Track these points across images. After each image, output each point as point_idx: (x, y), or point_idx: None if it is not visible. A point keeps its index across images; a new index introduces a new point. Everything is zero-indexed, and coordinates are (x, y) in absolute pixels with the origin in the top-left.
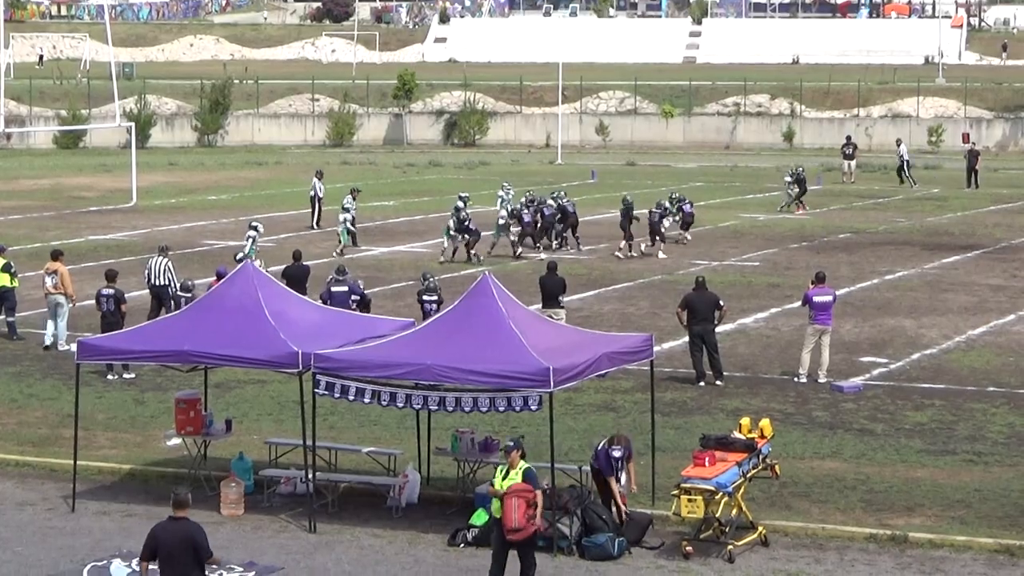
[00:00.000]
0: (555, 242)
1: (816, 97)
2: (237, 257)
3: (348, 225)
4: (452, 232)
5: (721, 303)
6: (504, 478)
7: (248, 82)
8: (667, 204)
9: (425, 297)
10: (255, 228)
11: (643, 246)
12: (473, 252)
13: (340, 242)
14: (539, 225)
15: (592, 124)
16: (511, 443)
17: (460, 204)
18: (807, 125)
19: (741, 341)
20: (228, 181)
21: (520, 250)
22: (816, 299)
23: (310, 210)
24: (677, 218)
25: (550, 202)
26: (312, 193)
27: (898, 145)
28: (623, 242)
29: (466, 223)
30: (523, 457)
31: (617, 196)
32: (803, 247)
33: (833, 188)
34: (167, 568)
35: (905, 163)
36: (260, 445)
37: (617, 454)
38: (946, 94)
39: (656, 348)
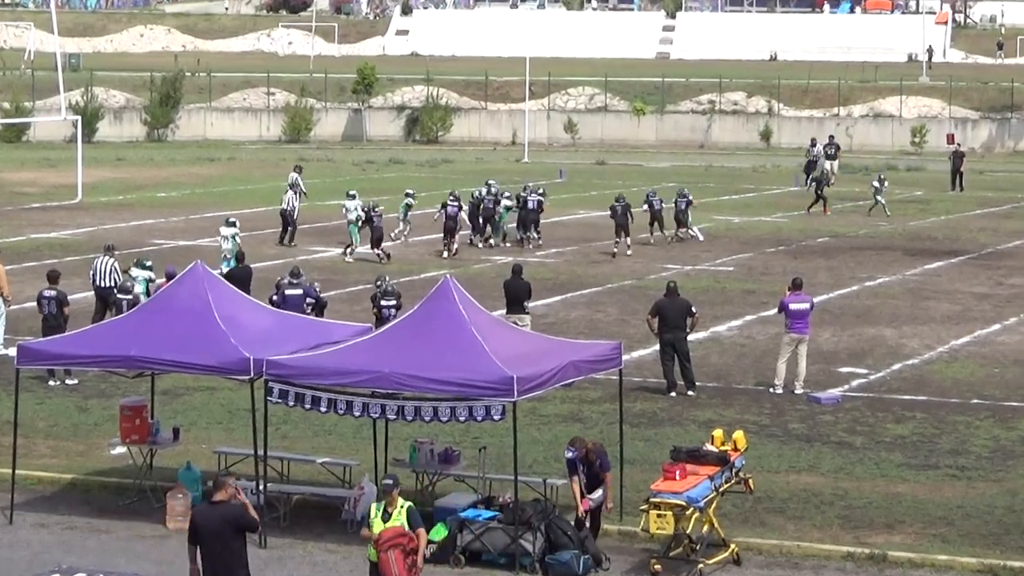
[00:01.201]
0: (519, 237)
1: (795, 95)
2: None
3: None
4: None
5: (693, 310)
6: (384, 520)
7: (200, 75)
8: (687, 192)
9: (383, 301)
10: (233, 224)
11: (668, 235)
12: (378, 251)
13: (354, 243)
14: (482, 220)
15: (560, 121)
16: (389, 481)
17: (411, 201)
18: (785, 124)
19: (714, 350)
20: (178, 177)
21: (456, 248)
22: (793, 307)
23: (282, 226)
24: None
25: (526, 194)
26: (286, 206)
27: (812, 145)
28: (620, 239)
29: (372, 216)
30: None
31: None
32: (780, 251)
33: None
34: (212, 549)
35: (814, 164)
36: (209, 455)
37: (569, 455)
38: (930, 93)
39: (625, 357)
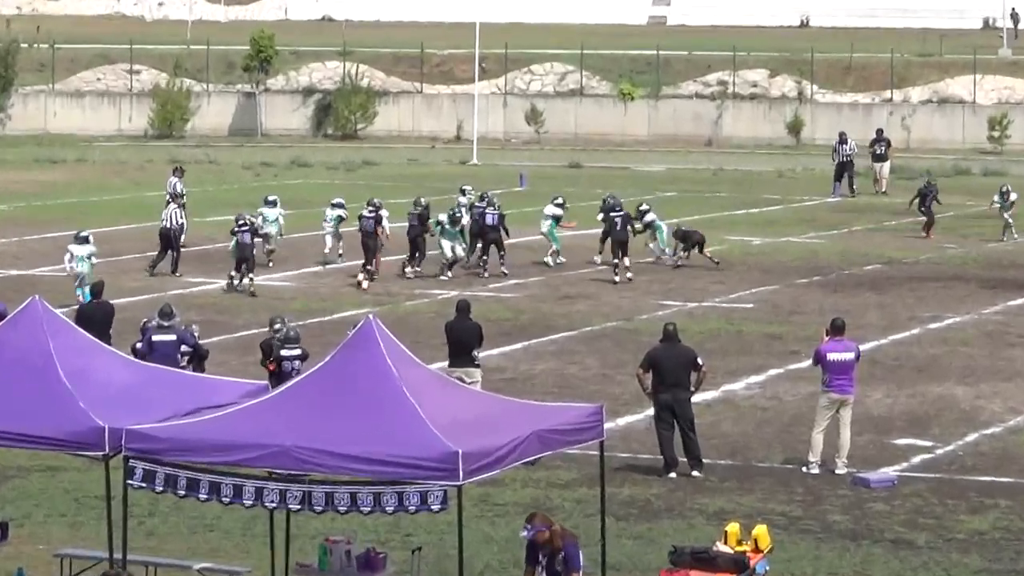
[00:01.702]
0: (473, 262)
1: (833, 74)
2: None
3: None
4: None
5: (699, 361)
6: None
7: (41, 46)
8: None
9: (284, 351)
10: (86, 241)
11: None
12: (248, 278)
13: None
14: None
15: (521, 109)
16: None
17: (342, 213)
18: (821, 113)
19: (728, 415)
20: (9, 185)
21: (363, 279)
22: (832, 357)
23: (160, 249)
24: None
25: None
26: (169, 223)
27: (842, 142)
28: (620, 260)
29: (262, 230)
30: None
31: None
32: (814, 283)
33: (858, 201)
34: None
35: (849, 161)
36: (48, 559)
37: (525, 534)
38: (1013, 71)
39: (608, 424)
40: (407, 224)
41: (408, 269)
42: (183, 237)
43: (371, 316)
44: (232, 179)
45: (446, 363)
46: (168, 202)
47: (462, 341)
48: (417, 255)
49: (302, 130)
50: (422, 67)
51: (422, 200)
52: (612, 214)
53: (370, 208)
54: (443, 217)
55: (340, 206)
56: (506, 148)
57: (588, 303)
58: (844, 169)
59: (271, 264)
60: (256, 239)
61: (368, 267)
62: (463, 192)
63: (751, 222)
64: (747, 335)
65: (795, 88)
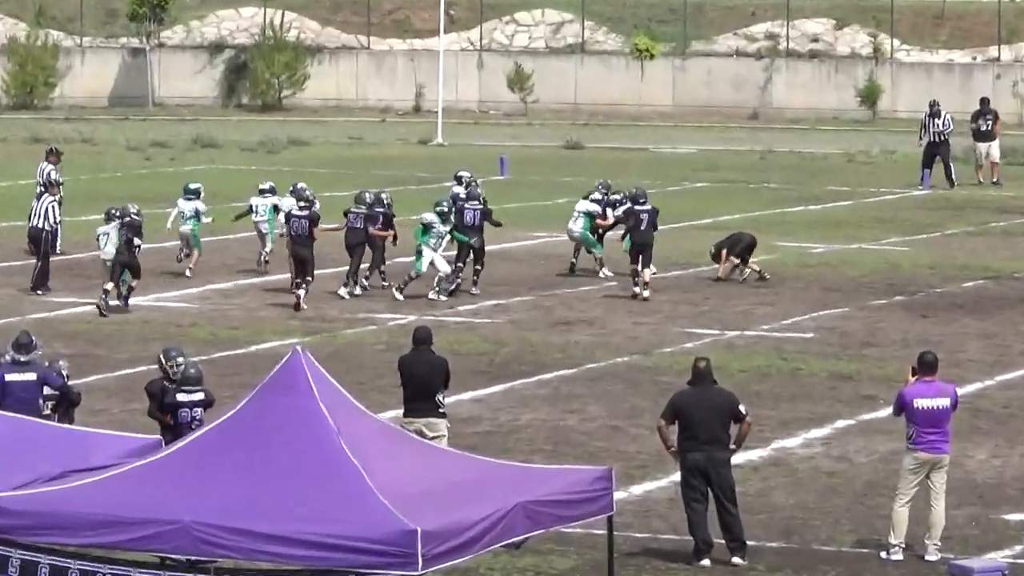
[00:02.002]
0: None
1: (920, 25)
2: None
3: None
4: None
5: (741, 410)
6: None
7: None
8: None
9: (181, 395)
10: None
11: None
12: (116, 296)
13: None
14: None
15: (501, 71)
16: None
17: (277, 202)
18: (904, 76)
19: (781, 481)
20: None
21: (300, 295)
22: (921, 404)
23: (37, 228)
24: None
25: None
26: (40, 222)
27: (934, 114)
28: (639, 268)
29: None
30: None
31: (549, 207)
32: (895, 305)
33: (955, 195)
34: None
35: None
36: None
37: None
38: None
39: (620, 494)
40: (347, 226)
41: (344, 290)
42: (58, 242)
43: (299, 348)
44: (113, 164)
45: (400, 411)
46: (40, 194)
47: (422, 382)
48: (375, 268)
49: (208, 99)
50: (369, 15)
51: (384, 195)
52: (637, 207)
53: (301, 204)
54: (431, 217)
55: (271, 192)
56: (482, 123)
57: (592, 331)
58: (936, 151)
59: (189, 274)
60: (137, 241)
61: (299, 280)
62: (459, 180)
63: (811, 223)
64: (806, 374)
65: (869, 43)
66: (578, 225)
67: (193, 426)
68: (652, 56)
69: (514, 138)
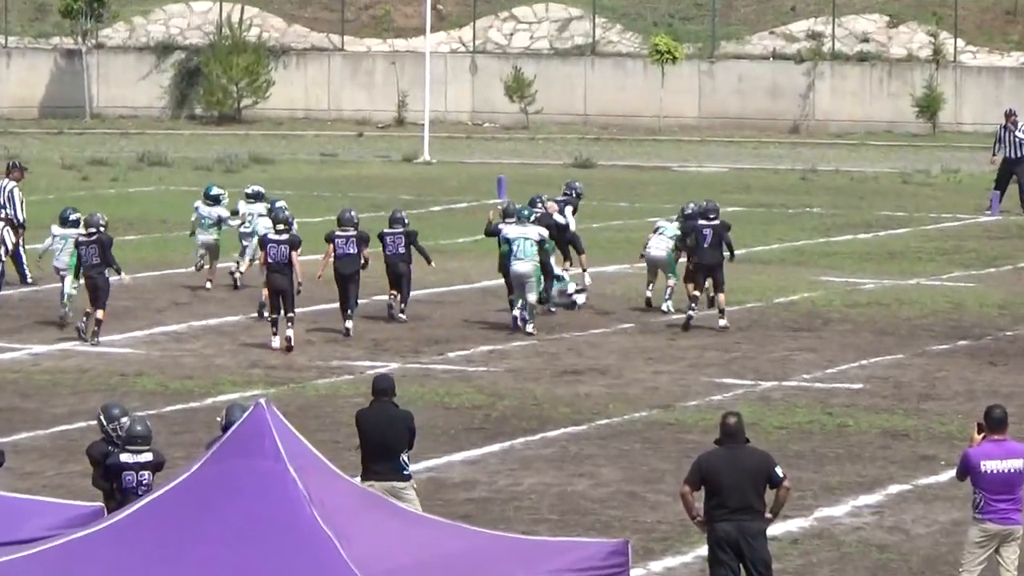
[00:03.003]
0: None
1: (989, 22)
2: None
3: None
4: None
5: (778, 473)
6: None
7: None
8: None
9: (126, 456)
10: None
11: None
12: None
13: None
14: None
15: (498, 76)
16: None
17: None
18: (970, 82)
19: (826, 556)
20: None
21: (278, 338)
22: (989, 467)
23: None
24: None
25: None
26: None
27: (1013, 125)
28: (717, 296)
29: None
30: None
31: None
32: (959, 351)
33: None
34: None
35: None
36: None
37: None
38: None
39: (638, 571)
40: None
41: (349, 325)
42: (26, 267)
43: (263, 401)
44: (45, 185)
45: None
46: None
47: (383, 440)
48: (397, 298)
49: (155, 109)
50: (343, 10)
51: (401, 214)
52: (701, 222)
53: (280, 227)
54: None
55: (257, 197)
56: (475, 137)
57: (605, 382)
58: (1011, 170)
59: (209, 287)
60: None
61: (277, 316)
62: (538, 202)
63: (860, 254)
64: (854, 432)
65: (929, 44)
66: (664, 247)
67: (140, 492)
68: (674, 59)
69: (514, 155)
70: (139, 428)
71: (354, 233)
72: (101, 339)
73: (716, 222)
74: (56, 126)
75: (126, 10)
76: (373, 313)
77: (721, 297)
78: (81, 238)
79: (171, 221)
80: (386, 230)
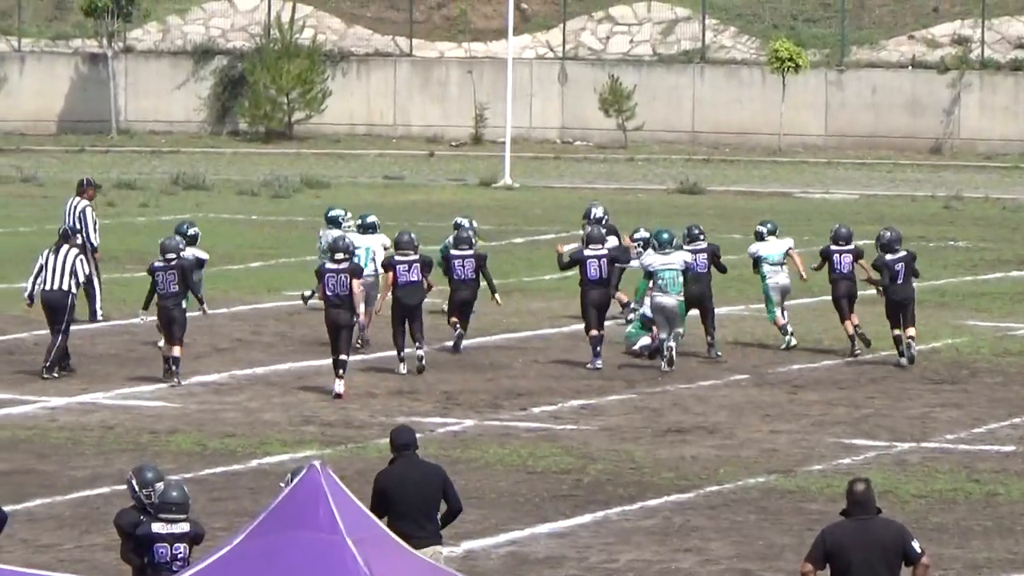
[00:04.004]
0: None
1: None
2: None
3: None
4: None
5: (916, 548)
6: None
7: None
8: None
9: (158, 526)
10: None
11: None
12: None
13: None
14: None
15: (592, 87)
16: None
17: (382, 243)
18: None
19: None
20: None
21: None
22: None
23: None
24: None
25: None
26: (58, 284)
27: None
28: (905, 331)
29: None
30: None
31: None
32: None
33: None
34: None
35: None
36: None
37: None
38: None
39: None
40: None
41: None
42: (98, 301)
43: (317, 464)
44: (63, 213)
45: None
46: (59, 245)
47: (420, 498)
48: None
49: (192, 124)
50: (412, 10)
51: (468, 222)
52: (889, 257)
53: (339, 256)
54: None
55: (373, 229)
56: (564, 157)
57: (714, 442)
58: None
59: (359, 344)
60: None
61: (343, 357)
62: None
63: (1013, 295)
64: (1004, 501)
65: None
66: (784, 277)
67: (174, 568)
68: (797, 67)
69: (609, 179)
70: (174, 494)
71: (416, 257)
72: (130, 390)
73: (903, 253)
74: (77, 143)
75: (159, 8)
76: (439, 361)
77: (911, 331)
78: (157, 263)
79: (218, 251)
80: (453, 251)
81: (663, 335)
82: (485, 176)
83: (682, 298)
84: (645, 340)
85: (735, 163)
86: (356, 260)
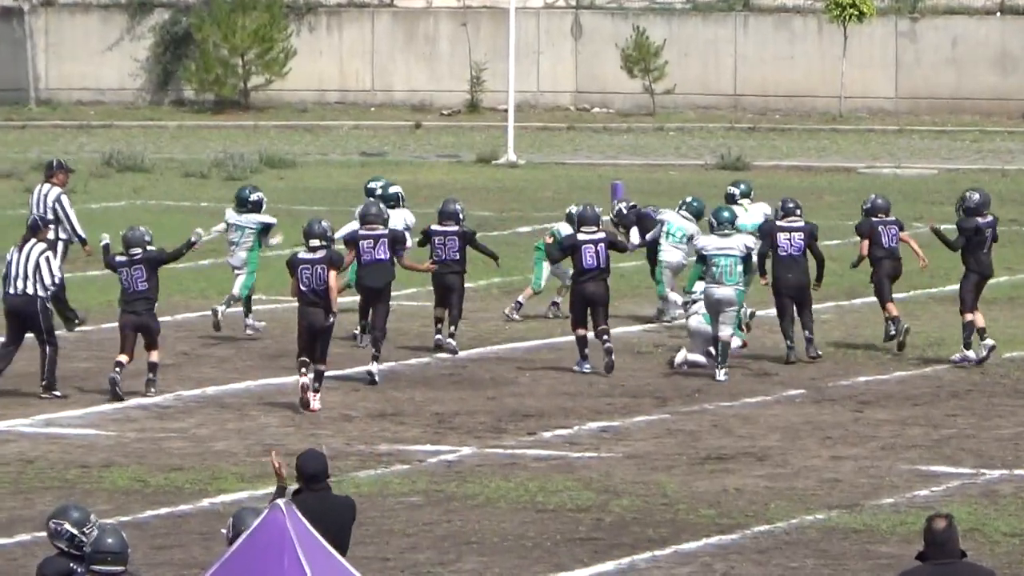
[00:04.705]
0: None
1: None
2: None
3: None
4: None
5: None
6: None
7: None
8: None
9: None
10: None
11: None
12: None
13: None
14: None
15: (611, 41)
16: None
17: (269, 220)
18: None
19: None
20: None
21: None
22: None
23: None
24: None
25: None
26: (18, 285)
27: None
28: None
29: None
30: None
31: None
32: None
33: None
34: None
35: None
36: None
37: None
38: None
39: None
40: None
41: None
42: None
43: (282, 503)
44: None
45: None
46: (26, 238)
47: (331, 540)
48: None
49: (127, 92)
50: None
51: (455, 207)
52: (979, 219)
53: (313, 243)
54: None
55: (259, 207)
56: (579, 128)
57: (764, 471)
58: None
59: (363, 345)
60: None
61: (321, 368)
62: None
63: None
64: None
65: None
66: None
67: None
68: (861, 15)
69: (635, 152)
70: (110, 541)
71: (385, 231)
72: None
73: (991, 218)
74: None
75: None
76: (428, 376)
77: (980, 317)
78: (120, 259)
79: (159, 238)
80: (435, 227)
81: (720, 332)
82: (483, 152)
83: (741, 288)
84: (737, 342)
85: (786, 132)
86: (334, 249)
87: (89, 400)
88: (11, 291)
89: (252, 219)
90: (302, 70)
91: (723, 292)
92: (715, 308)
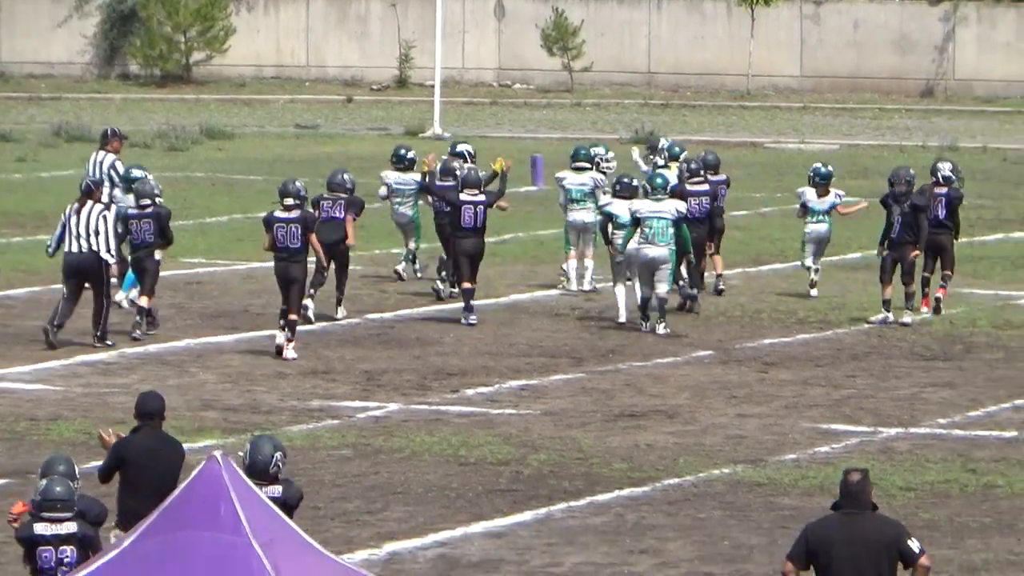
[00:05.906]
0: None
1: None
2: None
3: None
4: None
5: (913, 547)
6: None
7: None
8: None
9: (40, 527)
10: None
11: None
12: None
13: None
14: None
15: (532, 22)
16: None
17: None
18: None
19: None
20: None
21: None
22: None
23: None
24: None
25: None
26: (80, 244)
27: None
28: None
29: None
30: None
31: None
32: None
33: None
34: None
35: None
36: None
37: None
38: None
39: None
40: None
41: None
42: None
43: (218, 456)
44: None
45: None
46: (85, 199)
47: (151, 477)
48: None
49: (76, 66)
50: None
51: (345, 175)
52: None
53: (288, 202)
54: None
55: (411, 164)
56: (502, 103)
57: (674, 427)
58: None
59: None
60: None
61: (293, 317)
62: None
63: (1015, 259)
64: (1004, 494)
65: None
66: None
67: (59, 573)
68: (768, 0)
69: (554, 127)
70: (58, 489)
71: (344, 197)
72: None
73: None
74: None
75: None
76: (359, 336)
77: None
78: (131, 211)
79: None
80: (325, 195)
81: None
82: (411, 125)
83: (672, 248)
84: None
85: (697, 109)
86: (309, 210)
87: (38, 356)
88: (73, 249)
89: (412, 177)
90: (241, 47)
91: (657, 251)
92: (650, 266)
